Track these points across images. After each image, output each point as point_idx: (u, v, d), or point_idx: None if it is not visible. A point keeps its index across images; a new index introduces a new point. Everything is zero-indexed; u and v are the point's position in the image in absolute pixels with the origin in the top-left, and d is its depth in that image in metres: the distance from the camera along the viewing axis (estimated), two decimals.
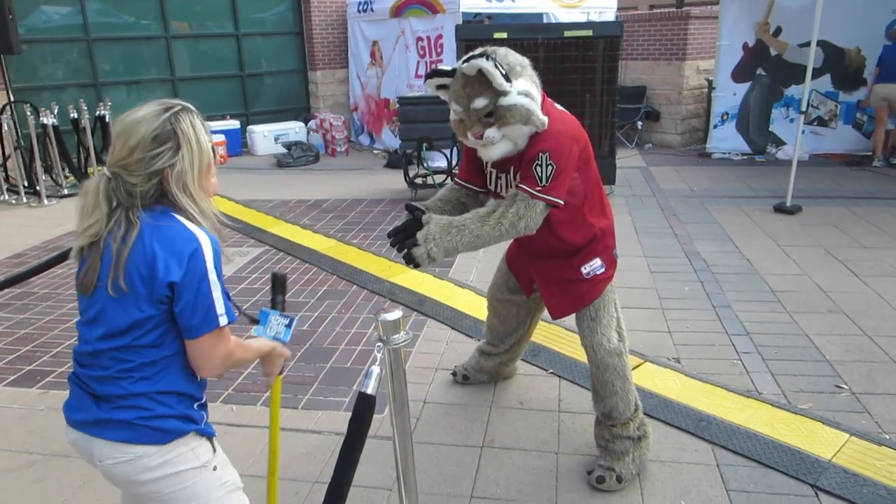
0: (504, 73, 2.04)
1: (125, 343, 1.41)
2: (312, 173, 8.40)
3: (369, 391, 1.50)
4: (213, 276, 1.43)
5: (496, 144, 2.12)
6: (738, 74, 8.35)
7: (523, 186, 2.12)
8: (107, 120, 7.52)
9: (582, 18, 8.85)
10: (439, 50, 8.34)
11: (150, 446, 1.42)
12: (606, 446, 2.44)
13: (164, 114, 1.41)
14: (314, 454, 2.63)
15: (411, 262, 2.06)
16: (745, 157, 8.41)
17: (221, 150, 9.10)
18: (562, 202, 2.15)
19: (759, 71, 8.34)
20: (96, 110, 7.60)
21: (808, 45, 5.74)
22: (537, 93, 2.13)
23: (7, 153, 7.47)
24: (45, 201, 7.08)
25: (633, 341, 3.48)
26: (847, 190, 6.64)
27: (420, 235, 2.04)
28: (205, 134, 1.47)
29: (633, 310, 3.89)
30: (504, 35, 5.95)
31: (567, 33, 6.05)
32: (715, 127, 8.54)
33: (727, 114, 8.47)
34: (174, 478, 1.46)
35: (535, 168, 2.09)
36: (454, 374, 3.18)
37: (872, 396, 2.96)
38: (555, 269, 2.43)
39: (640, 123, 9.25)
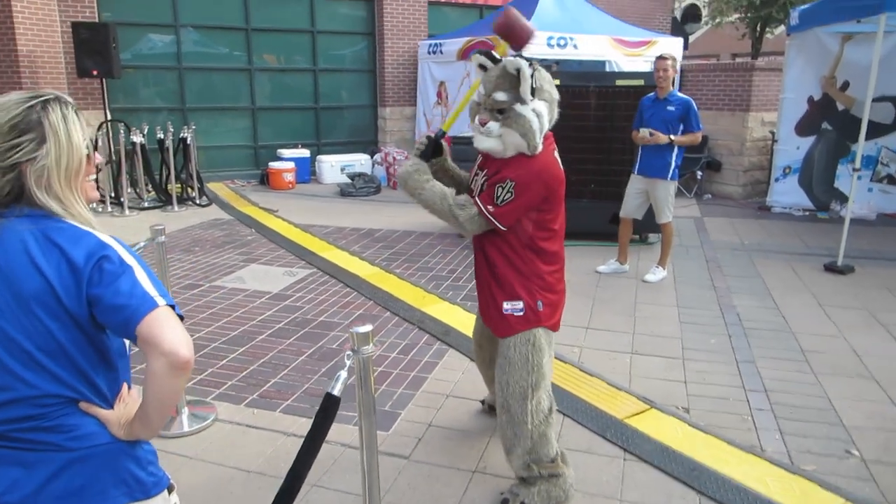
0: (534, 87, 2.29)
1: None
2: (371, 204, 8.79)
3: (335, 392, 1.70)
4: (138, 268, 1.25)
5: (490, 138, 2.34)
6: (802, 128, 8.19)
7: (478, 202, 2.36)
8: (188, 142, 8.19)
9: (645, 66, 8.97)
10: None
11: None
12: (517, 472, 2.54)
13: (30, 101, 1.26)
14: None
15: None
16: (807, 213, 8.20)
17: (290, 177, 9.66)
18: (503, 228, 2.36)
19: (825, 125, 8.16)
20: (181, 133, 8.30)
21: (879, 100, 5.64)
22: (546, 124, 2.35)
23: (99, 166, 8.25)
24: (127, 212, 7.75)
25: (646, 388, 3.54)
26: None
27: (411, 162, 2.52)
28: (79, 130, 1.30)
29: (653, 357, 3.93)
30: (557, 82, 6.13)
31: (619, 82, 6.19)
32: (776, 180, 8.38)
33: (789, 167, 8.30)
34: None
35: (498, 188, 2.32)
36: (482, 402, 3.29)
37: (884, 466, 2.89)
38: (487, 285, 2.53)
39: (699, 173, 9.18)
